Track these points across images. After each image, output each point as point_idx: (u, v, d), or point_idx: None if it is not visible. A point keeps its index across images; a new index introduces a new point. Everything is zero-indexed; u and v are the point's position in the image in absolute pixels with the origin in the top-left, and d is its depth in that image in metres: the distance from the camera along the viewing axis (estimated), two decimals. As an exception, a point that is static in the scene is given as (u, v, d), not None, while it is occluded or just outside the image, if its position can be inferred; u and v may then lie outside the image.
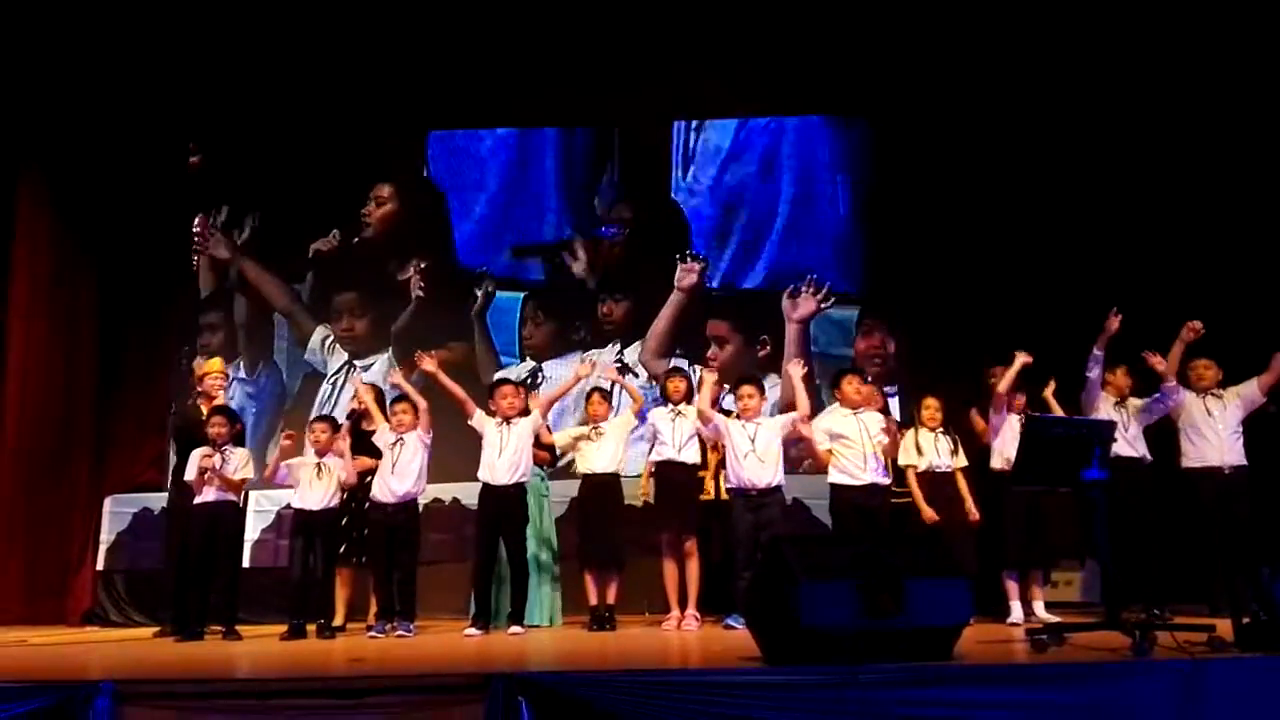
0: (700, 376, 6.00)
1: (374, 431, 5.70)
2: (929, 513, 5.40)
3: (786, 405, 6.07)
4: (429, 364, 5.60)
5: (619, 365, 7.15)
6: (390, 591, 5.46)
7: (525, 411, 5.68)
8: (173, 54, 7.40)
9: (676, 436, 5.61)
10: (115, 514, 7.14)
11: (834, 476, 5.49)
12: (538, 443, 5.78)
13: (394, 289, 7.70)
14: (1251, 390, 5.40)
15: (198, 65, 7.46)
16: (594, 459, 5.73)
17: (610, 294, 7.58)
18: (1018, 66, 7.10)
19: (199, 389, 6.17)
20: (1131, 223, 6.86)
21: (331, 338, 7.65)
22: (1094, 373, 5.39)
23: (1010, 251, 7.01)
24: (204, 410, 5.95)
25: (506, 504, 5.48)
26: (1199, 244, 6.59)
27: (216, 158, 7.92)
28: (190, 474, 5.59)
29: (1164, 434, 5.61)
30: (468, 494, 5.80)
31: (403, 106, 7.68)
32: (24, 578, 6.98)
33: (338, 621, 5.76)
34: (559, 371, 7.28)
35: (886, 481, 5.48)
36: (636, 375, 7.30)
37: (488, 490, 5.50)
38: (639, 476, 5.97)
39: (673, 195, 7.75)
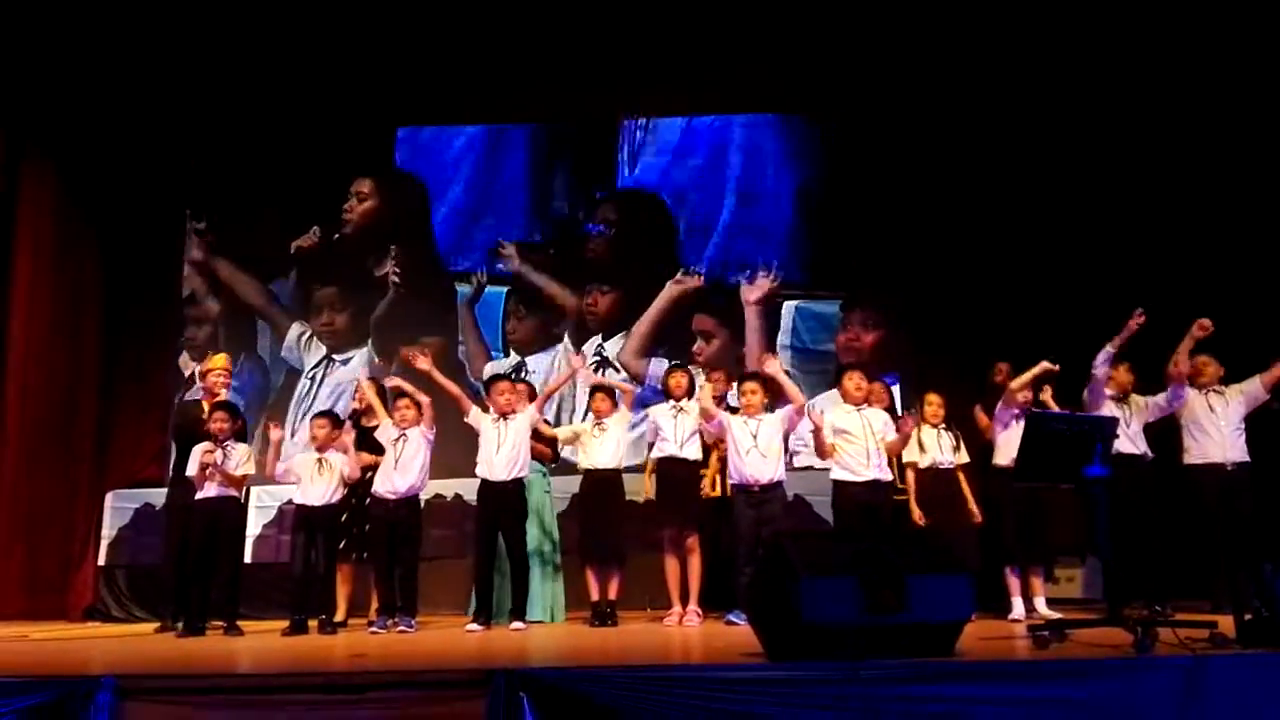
0: (707, 377, 6.07)
1: (376, 427, 5.70)
2: (917, 514, 5.45)
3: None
4: (423, 363, 5.60)
5: (598, 361, 7.18)
6: (392, 587, 5.46)
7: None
8: (164, 49, 7.44)
9: (678, 433, 5.61)
10: (117, 509, 7.14)
11: (836, 473, 5.49)
12: (538, 437, 5.78)
13: (374, 283, 7.76)
14: (1254, 387, 5.39)
15: (183, 63, 7.51)
16: (596, 455, 5.73)
17: (598, 285, 7.62)
18: (1016, 65, 7.10)
19: (202, 385, 6.16)
20: (1134, 221, 6.85)
21: (308, 334, 7.68)
22: (1101, 370, 5.38)
23: (1012, 247, 7.00)
24: (205, 406, 5.96)
25: (505, 500, 5.49)
26: (1200, 239, 6.58)
27: (197, 155, 7.93)
28: (192, 469, 5.60)
29: (1165, 431, 5.60)
30: (469, 490, 5.81)
31: (371, 102, 7.70)
32: (26, 573, 6.99)
33: (339, 617, 5.76)
34: (542, 365, 7.33)
35: (888, 478, 5.48)
36: (618, 370, 7.31)
37: (486, 486, 5.51)
38: (642, 472, 5.97)
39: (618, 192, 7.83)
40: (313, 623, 5.48)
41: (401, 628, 5.33)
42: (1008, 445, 5.39)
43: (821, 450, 5.52)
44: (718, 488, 5.70)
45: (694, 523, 5.56)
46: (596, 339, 7.51)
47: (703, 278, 7.55)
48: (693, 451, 5.63)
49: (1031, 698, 3.11)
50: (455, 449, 6.04)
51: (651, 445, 5.79)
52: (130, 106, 7.62)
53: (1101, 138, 6.98)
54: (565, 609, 5.99)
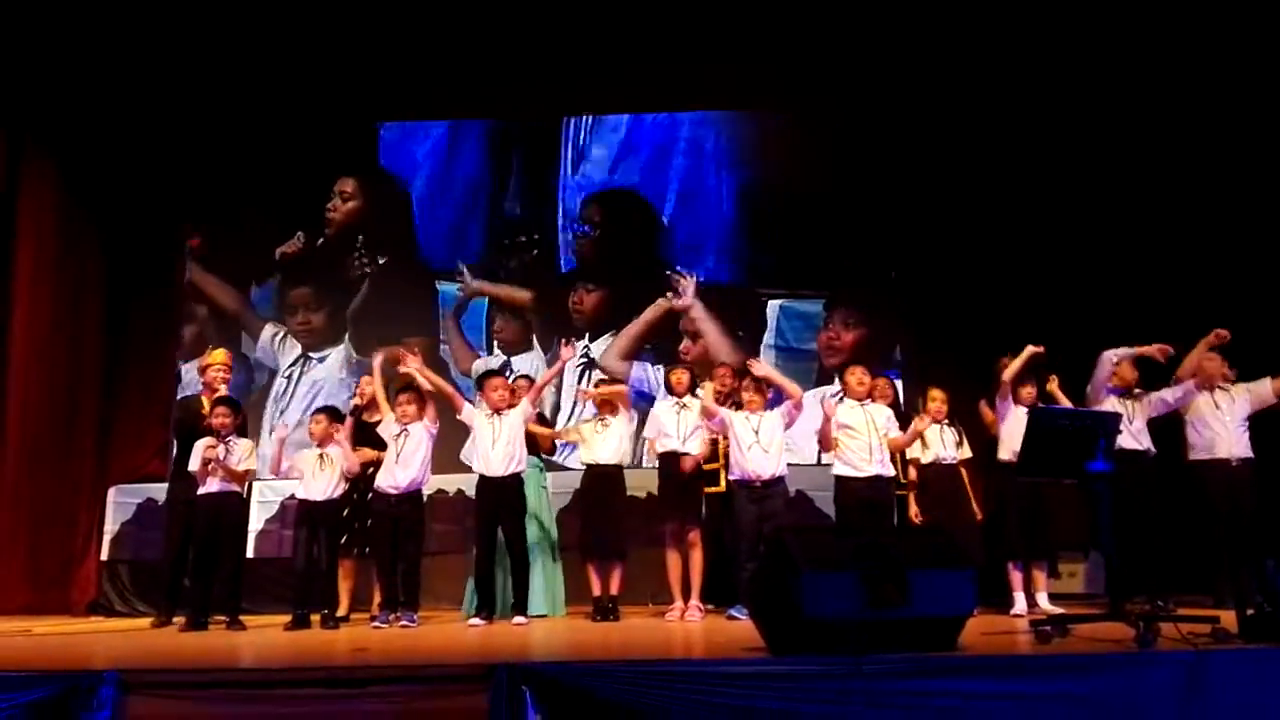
0: (712, 374, 6.06)
1: (378, 423, 5.70)
2: (914, 510, 5.48)
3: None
4: (412, 363, 5.60)
5: (585, 361, 7.19)
6: (394, 582, 5.47)
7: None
8: (163, 47, 7.44)
9: (680, 429, 5.61)
10: (119, 504, 7.15)
11: (838, 468, 5.50)
12: (532, 434, 5.78)
13: (352, 281, 7.77)
14: (1264, 389, 5.39)
15: (179, 62, 7.51)
16: (598, 450, 5.74)
17: (584, 284, 7.62)
18: (1007, 51, 7.10)
19: (201, 380, 6.16)
20: (1138, 212, 6.83)
21: (282, 334, 7.70)
22: (1106, 370, 5.37)
23: (1015, 240, 6.99)
24: (205, 402, 5.96)
25: (504, 495, 5.49)
26: (1208, 233, 6.56)
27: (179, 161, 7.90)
28: (194, 464, 5.61)
29: (1167, 427, 5.60)
30: (471, 485, 5.80)
31: (351, 100, 7.70)
32: (28, 568, 7.00)
33: (341, 612, 5.76)
34: (524, 366, 7.36)
35: (891, 473, 5.48)
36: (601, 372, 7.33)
37: (485, 482, 5.51)
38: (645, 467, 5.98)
39: (561, 191, 7.82)
40: (315, 617, 5.48)
41: (404, 622, 5.33)
42: (1010, 440, 5.40)
43: (825, 441, 5.52)
44: (720, 481, 5.70)
45: (696, 518, 5.56)
46: (584, 340, 7.49)
47: (695, 285, 7.48)
48: (694, 447, 5.62)
49: (1034, 693, 3.11)
50: (458, 444, 6.05)
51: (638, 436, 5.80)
52: (129, 105, 7.61)
53: (1106, 124, 6.95)
54: (565, 603, 5.99)
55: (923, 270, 7.32)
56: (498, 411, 5.56)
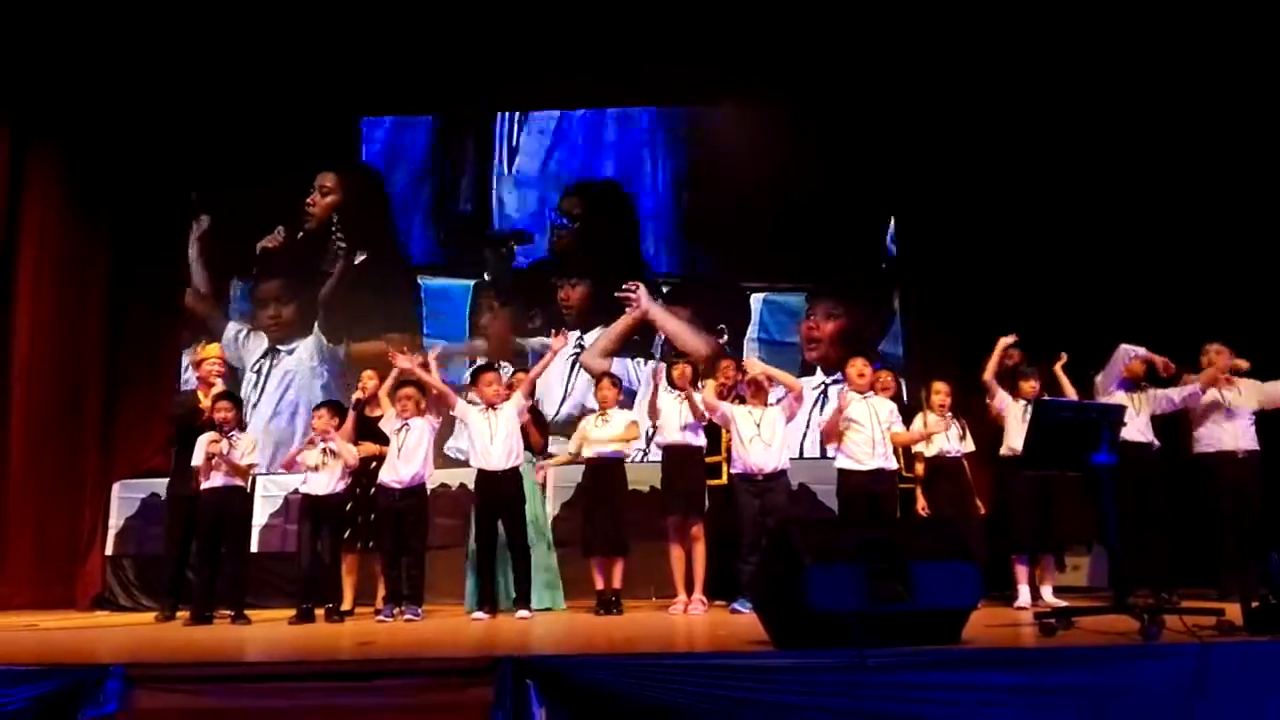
0: (719, 365, 6.12)
1: (379, 417, 5.70)
2: (922, 503, 5.50)
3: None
4: (404, 361, 5.60)
5: (578, 350, 7.28)
6: (399, 576, 5.48)
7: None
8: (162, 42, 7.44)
9: (682, 421, 5.60)
10: (124, 499, 7.17)
11: (840, 461, 5.51)
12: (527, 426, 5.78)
13: (326, 273, 7.75)
14: (1276, 391, 5.38)
15: (178, 54, 7.51)
16: (600, 443, 5.73)
17: (568, 279, 7.62)
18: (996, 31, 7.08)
19: (196, 374, 6.15)
20: (1141, 206, 6.81)
21: (245, 330, 7.68)
22: (1120, 363, 5.37)
23: (1018, 233, 6.97)
24: (201, 396, 5.97)
25: (504, 488, 5.49)
26: (1207, 223, 6.55)
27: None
28: (198, 460, 5.61)
29: (1171, 420, 5.59)
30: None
31: (332, 94, 7.70)
32: (33, 563, 7.01)
33: (346, 606, 5.78)
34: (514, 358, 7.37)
35: (893, 467, 5.48)
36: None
37: (484, 476, 5.51)
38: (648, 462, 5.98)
39: (496, 185, 7.82)
40: (319, 611, 5.50)
41: (408, 616, 5.34)
42: (1012, 434, 5.40)
43: (829, 434, 5.51)
44: (723, 475, 5.68)
45: (699, 511, 5.57)
46: (575, 331, 7.48)
47: (644, 292, 7.46)
48: (696, 438, 5.62)
49: (1038, 685, 3.10)
50: (441, 439, 6.04)
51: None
52: (133, 97, 7.60)
53: (1110, 110, 6.92)
54: (566, 597, 5.98)
55: (925, 262, 7.30)
56: (491, 406, 5.55)
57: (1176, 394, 5.43)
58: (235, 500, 5.67)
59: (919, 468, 5.63)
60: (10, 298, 7.11)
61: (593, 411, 5.98)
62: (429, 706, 3.12)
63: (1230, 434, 5.35)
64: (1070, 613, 3.94)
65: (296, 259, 7.77)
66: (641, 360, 7.42)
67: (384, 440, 5.67)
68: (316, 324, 7.67)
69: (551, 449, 6.52)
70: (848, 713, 3.03)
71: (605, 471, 5.69)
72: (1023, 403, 5.42)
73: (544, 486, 6.12)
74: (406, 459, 5.50)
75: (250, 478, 5.85)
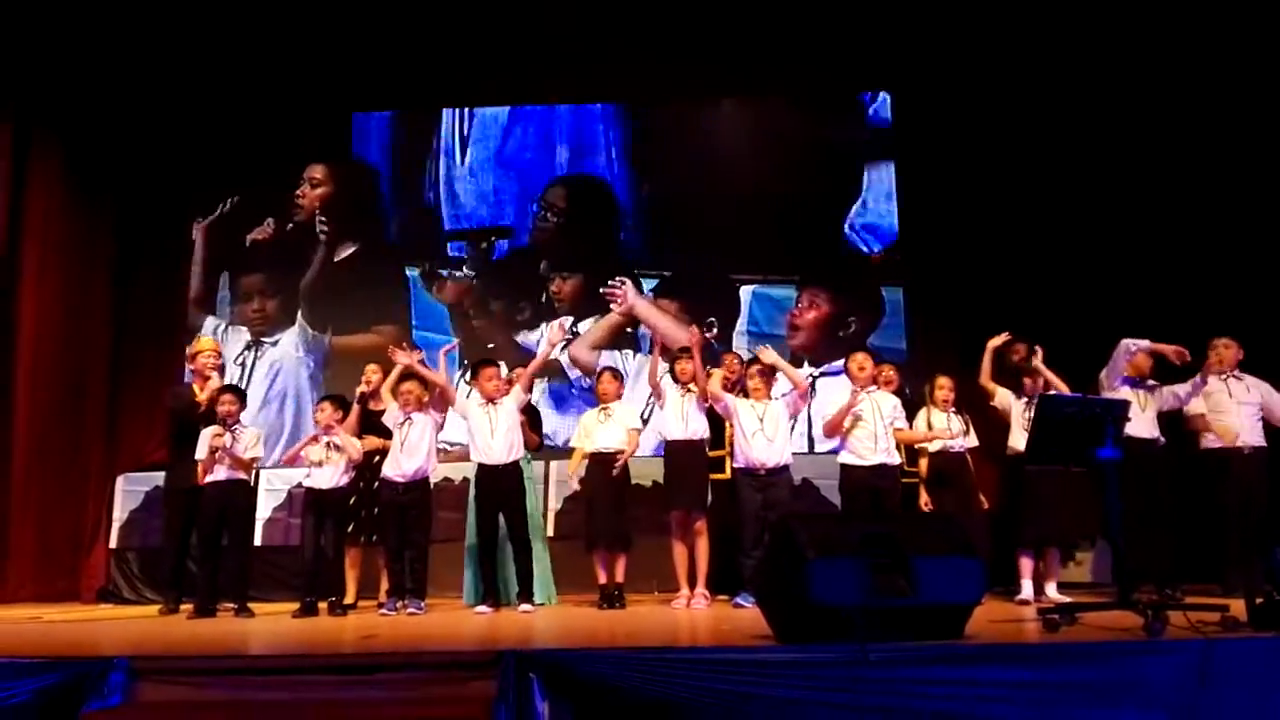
0: (722, 359, 6.10)
1: (383, 411, 5.71)
2: (924, 499, 5.49)
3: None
4: (403, 357, 5.60)
5: (570, 336, 7.34)
6: (401, 570, 5.48)
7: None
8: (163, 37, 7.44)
9: (685, 416, 5.60)
10: (128, 492, 7.20)
11: (843, 456, 5.50)
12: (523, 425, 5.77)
13: (308, 267, 7.77)
14: (1275, 402, 5.38)
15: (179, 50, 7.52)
16: (602, 438, 5.73)
17: (559, 272, 7.62)
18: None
19: (191, 367, 6.15)
20: (1144, 201, 6.78)
21: (224, 325, 7.69)
22: (1123, 358, 5.36)
23: (1020, 227, 6.95)
24: (197, 389, 5.97)
25: (505, 482, 5.49)
26: (1216, 223, 6.53)
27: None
28: (201, 453, 5.62)
29: (1175, 416, 5.58)
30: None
31: (323, 88, 7.71)
32: (37, 555, 7.02)
33: (349, 599, 5.79)
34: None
35: (896, 462, 5.47)
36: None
37: (485, 471, 5.51)
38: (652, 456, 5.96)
39: (453, 178, 7.82)
40: (322, 605, 5.51)
41: (411, 610, 5.35)
42: (1016, 431, 5.39)
43: (833, 427, 5.50)
44: (726, 469, 5.68)
45: (702, 506, 5.56)
46: (569, 319, 7.50)
47: (630, 289, 7.45)
48: (700, 432, 5.61)
49: (1042, 680, 3.10)
50: (464, 433, 6.04)
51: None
52: (134, 87, 7.60)
53: (1114, 105, 6.89)
54: (564, 591, 5.98)
55: (927, 257, 7.28)
56: (492, 400, 5.55)
57: (1182, 390, 5.42)
58: (238, 493, 5.68)
59: (922, 463, 5.62)
60: (14, 289, 7.11)
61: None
62: (432, 700, 3.12)
63: (1236, 429, 5.33)
64: (1074, 608, 3.93)
65: (285, 251, 7.79)
66: (631, 353, 7.42)
67: (387, 434, 5.68)
68: (300, 313, 7.69)
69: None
70: (850, 707, 3.03)
71: (608, 466, 5.69)
72: (1025, 399, 5.40)
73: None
74: (409, 453, 5.50)
75: (253, 471, 5.86)
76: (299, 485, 6.19)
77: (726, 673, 3.12)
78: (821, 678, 3.08)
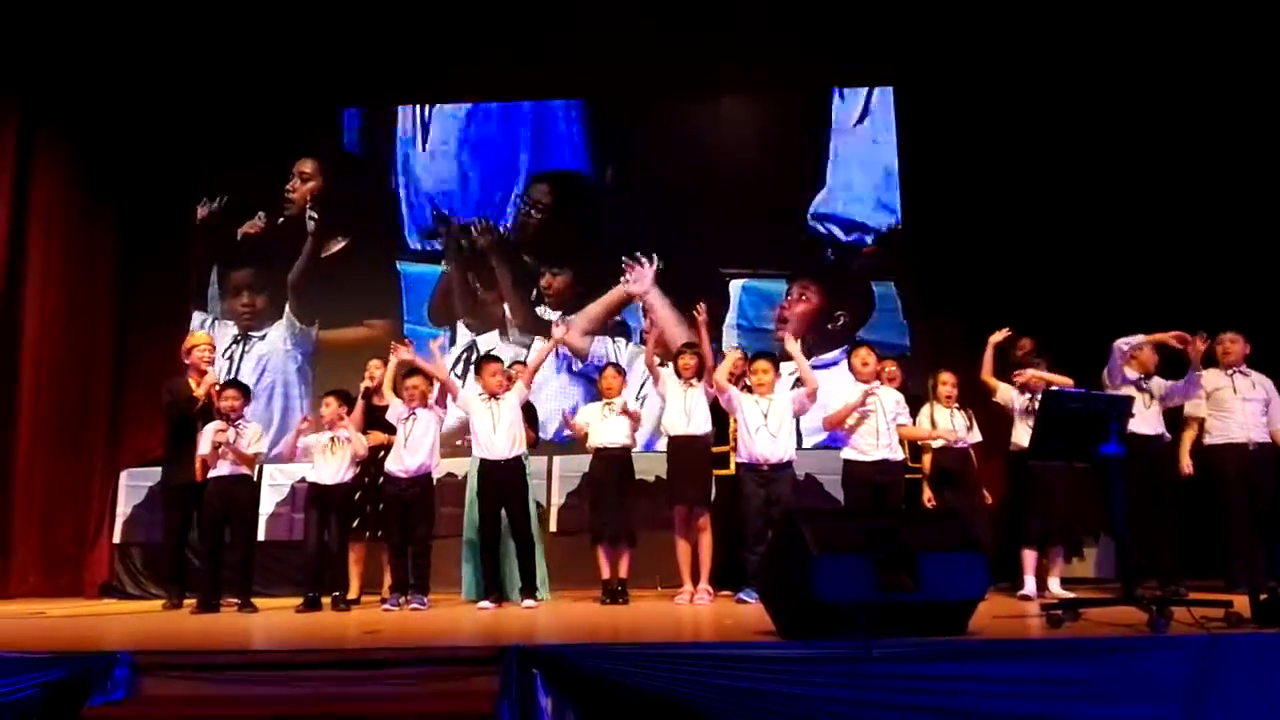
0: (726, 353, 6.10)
1: (386, 407, 5.71)
2: (928, 495, 5.49)
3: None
4: (404, 353, 5.59)
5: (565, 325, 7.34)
6: (405, 565, 5.49)
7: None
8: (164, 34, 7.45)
9: (688, 410, 5.60)
10: (131, 487, 7.22)
11: (846, 452, 5.50)
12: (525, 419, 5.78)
13: (299, 259, 7.78)
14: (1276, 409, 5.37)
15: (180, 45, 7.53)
16: (606, 433, 5.73)
17: (549, 267, 7.63)
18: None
19: (187, 361, 6.16)
20: (1147, 195, 6.77)
21: (210, 320, 7.69)
22: (1119, 359, 5.35)
23: (1022, 221, 6.94)
24: (192, 384, 5.97)
25: (508, 476, 5.49)
26: (1218, 219, 6.51)
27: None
28: (204, 448, 5.63)
29: (1179, 412, 5.56)
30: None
31: (314, 84, 7.73)
32: (41, 551, 7.05)
33: (352, 594, 5.80)
34: (492, 344, 7.43)
35: (899, 457, 5.47)
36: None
37: (487, 466, 5.51)
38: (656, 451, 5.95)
39: (414, 169, 7.85)
40: (326, 600, 5.51)
41: (414, 605, 5.36)
42: (1019, 427, 5.38)
43: (836, 420, 5.49)
44: (730, 464, 5.68)
45: (705, 501, 5.56)
46: (574, 317, 7.50)
47: (654, 273, 7.46)
48: (703, 427, 5.61)
49: (1045, 676, 3.09)
50: (467, 429, 6.04)
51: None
52: (139, 84, 7.61)
53: (1117, 100, 6.87)
54: (559, 587, 5.99)
55: (930, 252, 7.26)
56: (494, 396, 5.55)
57: (1182, 383, 5.41)
58: (242, 489, 5.69)
59: (926, 460, 5.62)
60: (20, 286, 7.13)
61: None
62: (435, 695, 3.13)
63: (1241, 426, 5.32)
64: (1078, 604, 3.93)
65: (275, 246, 7.81)
66: (624, 341, 7.41)
67: (390, 430, 5.68)
68: (288, 306, 7.70)
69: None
70: (853, 703, 3.02)
71: (612, 461, 5.69)
72: (1027, 395, 5.39)
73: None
74: (413, 449, 5.50)
75: (256, 466, 5.86)
76: (302, 480, 6.20)
77: (730, 668, 3.12)
78: (825, 673, 3.08)
